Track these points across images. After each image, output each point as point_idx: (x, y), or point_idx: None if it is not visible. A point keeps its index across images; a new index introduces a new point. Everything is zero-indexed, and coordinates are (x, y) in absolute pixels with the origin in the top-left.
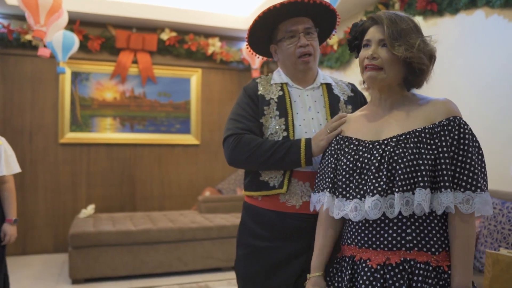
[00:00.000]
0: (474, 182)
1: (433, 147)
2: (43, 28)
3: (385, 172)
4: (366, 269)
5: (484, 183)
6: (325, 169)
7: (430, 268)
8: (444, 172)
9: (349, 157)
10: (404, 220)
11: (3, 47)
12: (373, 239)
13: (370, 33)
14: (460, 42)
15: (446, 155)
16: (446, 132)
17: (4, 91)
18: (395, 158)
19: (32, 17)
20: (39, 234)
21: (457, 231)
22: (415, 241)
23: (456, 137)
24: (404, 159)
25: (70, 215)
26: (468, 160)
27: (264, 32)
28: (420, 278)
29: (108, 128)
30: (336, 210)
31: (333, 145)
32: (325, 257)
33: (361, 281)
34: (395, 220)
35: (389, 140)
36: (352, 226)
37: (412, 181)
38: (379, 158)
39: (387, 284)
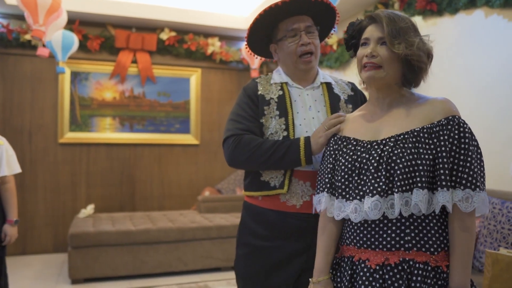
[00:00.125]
0: (474, 181)
1: (432, 146)
2: (42, 27)
3: (384, 173)
4: (365, 269)
5: (482, 182)
6: (324, 170)
7: (429, 268)
8: (442, 171)
9: (347, 157)
10: (403, 220)
11: (2, 47)
12: (372, 240)
13: (368, 32)
14: (459, 42)
15: (445, 154)
16: (445, 132)
17: (3, 91)
18: (394, 158)
19: (31, 16)
20: (39, 234)
21: (456, 231)
22: (414, 241)
23: (456, 136)
24: (403, 159)
25: (70, 215)
26: (468, 159)
27: (264, 31)
28: (419, 278)
29: (108, 128)
30: (336, 211)
31: (331, 145)
32: (330, 259)
33: (360, 282)
34: (394, 221)
35: (387, 140)
36: (351, 227)
37: (411, 181)
38: (377, 158)
39: (386, 284)
